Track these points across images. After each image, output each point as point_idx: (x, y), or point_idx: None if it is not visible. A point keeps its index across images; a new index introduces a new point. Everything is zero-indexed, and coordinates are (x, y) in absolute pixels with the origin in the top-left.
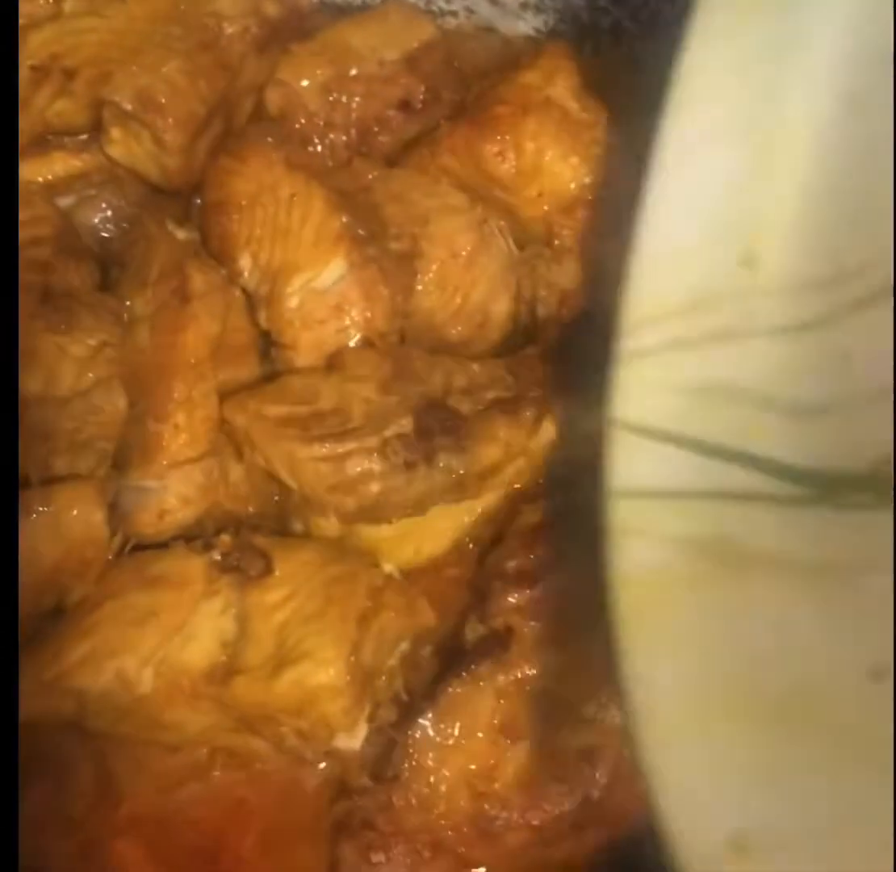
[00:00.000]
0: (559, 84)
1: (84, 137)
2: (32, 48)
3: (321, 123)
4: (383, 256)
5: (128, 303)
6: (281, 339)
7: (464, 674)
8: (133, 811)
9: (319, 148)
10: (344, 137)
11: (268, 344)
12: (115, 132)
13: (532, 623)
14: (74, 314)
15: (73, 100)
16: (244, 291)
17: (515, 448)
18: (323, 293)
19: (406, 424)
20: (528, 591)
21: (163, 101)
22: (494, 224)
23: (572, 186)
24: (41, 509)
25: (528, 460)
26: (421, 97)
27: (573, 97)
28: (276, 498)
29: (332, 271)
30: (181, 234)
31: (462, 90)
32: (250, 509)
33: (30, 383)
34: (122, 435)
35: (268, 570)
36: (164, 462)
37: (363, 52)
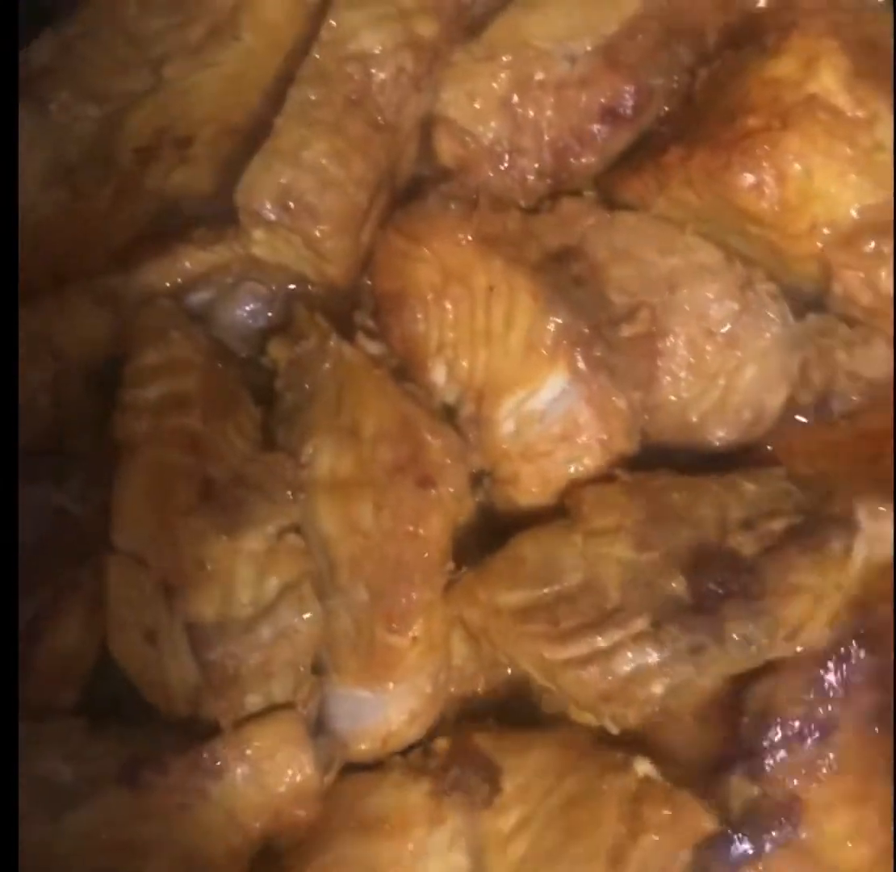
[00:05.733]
0: (824, 74)
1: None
2: (132, 131)
3: (505, 150)
4: (612, 352)
5: (310, 451)
6: (498, 474)
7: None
8: None
9: (505, 180)
10: (536, 164)
11: (479, 473)
12: (258, 234)
13: (814, 786)
14: (247, 507)
15: (195, 165)
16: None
17: (828, 592)
18: (543, 417)
19: (678, 587)
20: (813, 745)
21: (312, 200)
22: (762, 288)
23: (854, 210)
24: (237, 762)
25: (842, 595)
26: (630, 101)
27: (844, 88)
28: (511, 672)
29: (552, 388)
30: (373, 347)
31: (682, 74)
32: (478, 689)
33: (203, 606)
34: (323, 637)
35: (494, 791)
36: (395, 679)
37: (546, 46)
